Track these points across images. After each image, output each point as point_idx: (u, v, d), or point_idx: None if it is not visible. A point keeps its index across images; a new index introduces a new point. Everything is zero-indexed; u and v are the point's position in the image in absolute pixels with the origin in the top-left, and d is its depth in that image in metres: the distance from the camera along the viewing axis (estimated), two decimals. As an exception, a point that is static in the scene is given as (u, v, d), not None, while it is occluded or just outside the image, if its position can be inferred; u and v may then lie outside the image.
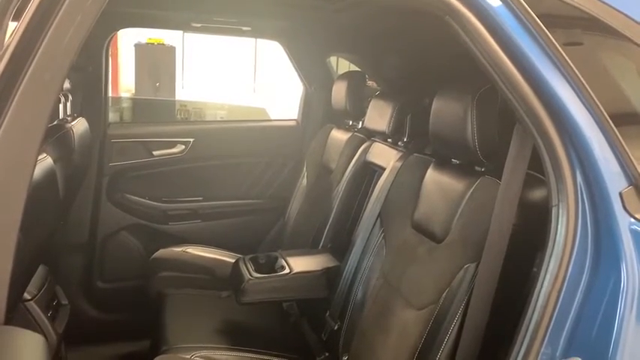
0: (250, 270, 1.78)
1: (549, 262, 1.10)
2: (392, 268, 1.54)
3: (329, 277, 1.78)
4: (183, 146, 2.43)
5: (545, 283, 1.09)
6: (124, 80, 8.35)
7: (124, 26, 2.26)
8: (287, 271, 1.77)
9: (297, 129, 2.60)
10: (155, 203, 2.41)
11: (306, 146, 2.48)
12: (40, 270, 1.64)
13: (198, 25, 2.22)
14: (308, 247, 2.13)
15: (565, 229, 1.09)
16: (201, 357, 1.57)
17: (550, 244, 1.10)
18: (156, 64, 7.78)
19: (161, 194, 2.43)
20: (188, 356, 1.56)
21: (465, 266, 1.26)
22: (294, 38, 2.44)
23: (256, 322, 1.88)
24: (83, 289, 2.30)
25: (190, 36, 7.96)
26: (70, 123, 1.83)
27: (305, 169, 2.39)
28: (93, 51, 2.16)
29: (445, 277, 1.32)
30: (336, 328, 1.67)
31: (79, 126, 1.88)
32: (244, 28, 2.24)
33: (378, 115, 1.93)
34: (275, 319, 1.94)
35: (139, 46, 7.97)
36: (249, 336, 1.77)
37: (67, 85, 1.90)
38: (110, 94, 2.35)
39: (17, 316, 1.47)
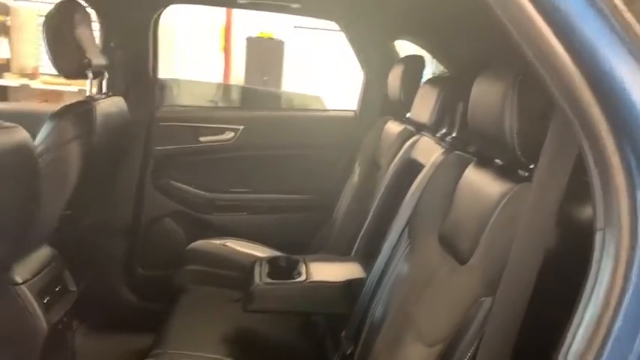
0: (263, 274, 1.58)
1: (587, 306, 0.77)
2: (411, 289, 1.25)
3: (351, 290, 1.53)
4: (233, 133, 2.29)
5: (579, 336, 0.77)
6: (235, 72, 8.58)
7: (169, 3, 2.15)
8: (302, 278, 1.55)
9: (354, 120, 2.36)
10: (201, 192, 2.30)
11: (363, 139, 2.23)
12: (44, 254, 1.56)
13: (244, 1, 2.05)
14: (350, 251, 1.88)
15: (613, 264, 0.74)
16: None
17: (590, 282, 0.77)
18: (265, 57, 7.92)
19: (207, 183, 2.32)
20: (176, 364, 1.40)
21: (481, 299, 0.95)
22: (354, 18, 2.19)
23: (271, 332, 1.67)
24: (124, 274, 2.26)
25: (299, 32, 7.96)
26: (96, 101, 1.76)
27: (357, 164, 2.14)
28: (138, 29, 2.08)
29: (459, 310, 1.02)
30: (348, 352, 1.41)
31: (107, 105, 1.80)
32: (293, 5, 2.03)
33: (423, 105, 1.64)
34: (296, 332, 1.73)
35: (250, 40, 8.16)
36: (255, 348, 1.57)
37: (102, 61, 1.82)
38: (158, 75, 2.26)
39: (7, 300, 1.41)
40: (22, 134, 1.23)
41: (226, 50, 8.48)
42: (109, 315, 2.09)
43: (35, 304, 1.44)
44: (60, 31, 1.65)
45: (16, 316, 1.41)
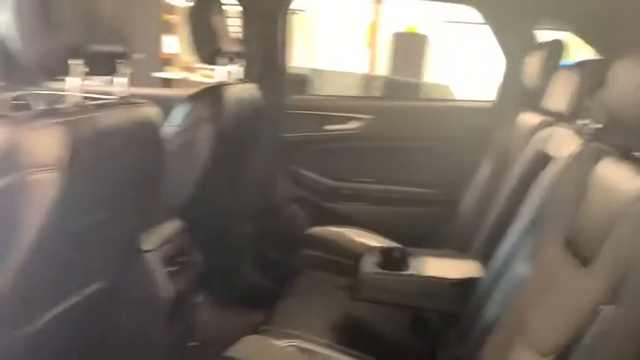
0: (373, 263, 1.54)
1: None
2: (528, 291, 1.13)
3: (465, 289, 1.42)
4: (358, 123, 2.27)
5: None
6: (378, 64, 8.61)
7: None
8: (413, 272, 1.48)
9: (491, 111, 2.20)
10: (325, 180, 2.33)
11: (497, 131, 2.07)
12: (173, 226, 1.67)
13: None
14: (473, 248, 1.77)
15: None
16: (294, 346, 1.41)
17: None
18: (409, 50, 7.86)
19: (332, 171, 2.34)
20: (281, 342, 1.41)
21: (599, 307, 0.82)
22: (496, 5, 2.04)
23: (379, 324, 1.62)
24: (248, 253, 2.36)
25: (444, 25, 7.75)
26: (228, 87, 1.85)
27: (488, 157, 2.00)
28: (270, 20, 2.16)
29: (577, 317, 0.89)
30: (457, 353, 1.32)
31: (238, 91, 1.88)
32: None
33: (559, 93, 1.47)
34: (405, 327, 1.66)
35: (396, 35, 8.15)
36: (361, 337, 1.53)
37: (234, 49, 1.92)
38: (288, 64, 2.32)
39: (136, 265, 1.52)
40: (151, 111, 1.32)
41: (372, 44, 8.56)
42: (230, 291, 2.20)
43: (160, 272, 1.54)
44: (198, 21, 1.77)
45: (143, 281, 1.51)
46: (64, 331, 1.28)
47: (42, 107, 1.12)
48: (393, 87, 6.46)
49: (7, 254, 0.97)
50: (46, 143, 0.97)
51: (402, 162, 2.28)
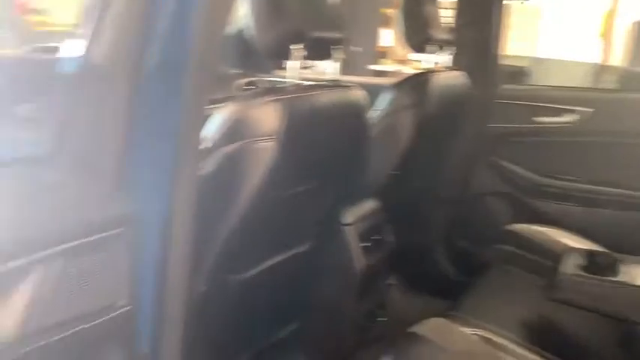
0: (575, 265, 1.42)
1: None
2: None
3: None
4: (575, 116, 2.10)
5: None
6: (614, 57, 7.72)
7: None
8: (623, 279, 1.33)
9: None
10: (528, 175, 2.20)
11: None
12: (370, 204, 1.75)
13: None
14: None
15: None
16: (479, 336, 1.39)
17: None
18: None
19: (537, 167, 2.20)
20: (467, 329, 1.40)
21: None
22: None
23: (577, 330, 1.50)
24: (440, 241, 2.36)
25: None
26: (435, 74, 1.87)
27: None
28: (485, 8, 2.11)
29: None
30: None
31: (445, 78, 1.89)
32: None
33: None
34: (609, 339, 1.50)
35: (638, 23, 7.24)
36: (555, 342, 1.43)
37: (444, 37, 1.93)
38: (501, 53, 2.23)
39: (337, 236, 1.65)
40: (359, 94, 1.42)
41: (606, 33, 7.72)
42: (419, 275, 2.24)
43: (356, 245, 1.64)
44: (410, 9, 1.83)
45: (341, 251, 1.63)
46: (268, 286, 1.46)
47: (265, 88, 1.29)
48: (629, 79, 5.76)
49: (229, 209, 1.15)
50: (265, 117, 1.13)
51: (623, 161, 2.04)
